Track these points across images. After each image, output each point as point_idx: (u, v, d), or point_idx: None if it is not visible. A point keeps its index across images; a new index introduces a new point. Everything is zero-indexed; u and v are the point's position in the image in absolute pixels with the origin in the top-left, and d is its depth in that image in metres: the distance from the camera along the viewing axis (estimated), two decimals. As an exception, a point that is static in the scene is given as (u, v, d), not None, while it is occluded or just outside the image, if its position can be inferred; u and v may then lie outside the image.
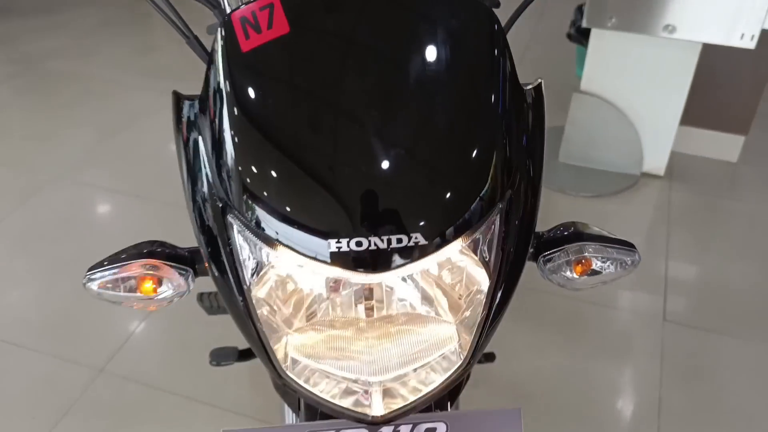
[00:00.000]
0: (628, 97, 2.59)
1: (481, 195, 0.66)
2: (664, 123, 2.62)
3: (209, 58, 0.71)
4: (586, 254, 0.80)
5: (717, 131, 2.78)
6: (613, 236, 0.82)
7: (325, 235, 0.63)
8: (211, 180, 0.69)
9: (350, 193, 0.63)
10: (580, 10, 3.13)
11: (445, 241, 0.64)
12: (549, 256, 0.81)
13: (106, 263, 0.77)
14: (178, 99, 0.75)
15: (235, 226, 0.67)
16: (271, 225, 0.64)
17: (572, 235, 0.81)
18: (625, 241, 0.82)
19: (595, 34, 2.52)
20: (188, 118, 0.72)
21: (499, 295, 0.71)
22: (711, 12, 2.22)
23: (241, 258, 0.68)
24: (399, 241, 0.63)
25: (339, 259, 0.63)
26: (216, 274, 0.70)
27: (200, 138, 0.71)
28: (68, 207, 2.51)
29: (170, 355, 1.95)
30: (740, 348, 1.99)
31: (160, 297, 0.79)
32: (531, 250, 0.82)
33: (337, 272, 0.64)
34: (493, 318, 0.72)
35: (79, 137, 2.89)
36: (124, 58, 3.53)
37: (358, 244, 0.62)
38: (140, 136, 2.89)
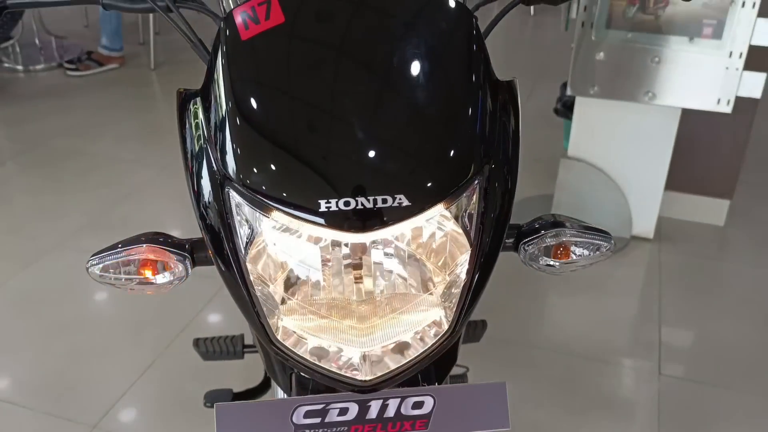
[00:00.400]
0: (614, 162, 2.68)
1: (461, 164, 0.72)
2: (651, 187, 2.70)
3: (212, 50, 0.78)
4: (564, 239, 0.85)
5: (702, 195, 2.86)
6: (589, 225, 0.87)
7: (316, 197, 0.68)
8: (211, 157, 0.74)
9: (339, 158, 0.69)
10: (565, 86, 3.29)
11: (427, 204, 0.69)
12: (529, 243, 0.85)
13: (108, 250, 0.82)
14: (183, 94, 0.81)
15: (232, 199, 0.72)
16: (267, 190, 0.70)
17: (550, 223, 0.86)
18: (600, 229, 0.87)
19: (579, 102, 2.64)
20: (191, 106, 0.79)
21: (480, 264, 0.75)
22: (688, 79, 2.35)
23: (238, 230, 0.73)
24: (384, 201, 0.68)
25: (329, 218, 0.68)
26: (214, 250, 0.75)
27: (202, 121, 0.77)
28: (68, 273, 2.55)
29: (164, 411, 1.94)
30: (735, 399, 1.99)
31: (158, 282, 0.83)
32: (510, 241, 0.87)
33: (328, 233, 0.69)
34: (475, 287, 0.76)
35: (81, 208, 2.96)
36: (129, 136, 3.66)
37: (347, 204, 0.67)
38: (142, 207, 2.96)
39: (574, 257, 0.85)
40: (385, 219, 0.68)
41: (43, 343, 2.19)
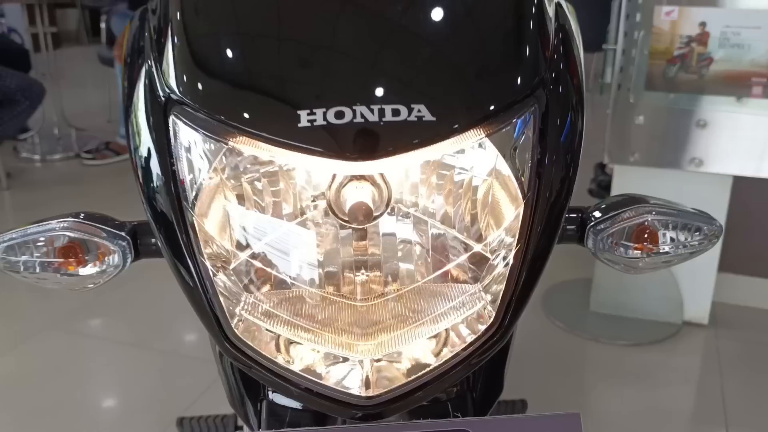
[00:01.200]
0: (660, 237, 2.44)
1: (509, 75, 0.50)
2: (703, 267, 2.44)
3: None
4: (649, 218, 0.61)
5: (760, 277, 2.58)
6: (682, 205, 0.63)
7: (294, 106, 0.46)
8: (153, 73, 0.53)
9: (328, 49, 0.47)
10: (600, 166, 3.11)
11: (459, 122, 0.47)
12: (600, 226, 0.61)
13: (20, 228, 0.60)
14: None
15: (179, 129, 0.50)
16: (226, 105, 0.48)
17: (627, 199, 0.62)
18: (698, 210, 0.63)
19: (617, 171, 2.44)
20: (135, 27, 0.59)
21: (537, 232, 0.51)
22: (738, 143, 2.15)
23: (184, 176, 0.50)
24: (396, 112, 0.46)
25: (312, 137, 0.45)
26: (152, 199, 0.52)
27: (147, 37, 0.56)
28: (57, 355, 2.34)
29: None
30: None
31: (82, 273, 0.60)
32: (573, 227, 0.63)
33: (310, 160, 0.46)
34: (530, 267, 0.51)
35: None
36: (142, 215, 3.52)
37: (339, 115, 0.45)
38: (139, 287, 2.76)
39: (666, 246, 0.61)
40: (396, 139, 0.46)
41: (22, 429, 1.93)
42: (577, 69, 0.58)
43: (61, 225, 0.59)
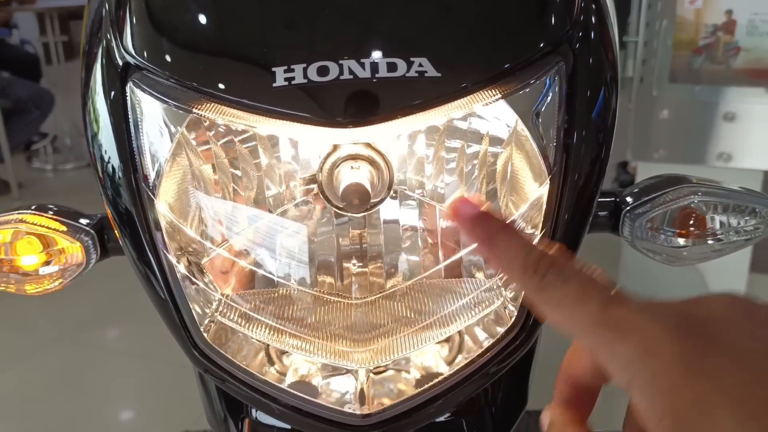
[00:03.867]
0: (687, 236, 2.34)
1: (530, 27, 0.42)
2: (732, 267, 2.33)
3: None
4: (696, 200, 0.52)
5: (794, 277, 2.46)
6: (730, 184, 0.54)
7: (268, 63, 0.38)
8: (111, 41, 0.45)
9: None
10: (622, 165, 3.00)
11: (469, 80, 0.39)
12: (638, 211, 0.53)
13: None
14: None
15: (139, 93, 0.42)
16: (189, 67, 0.40)
17: (667, 179, 0.54)
18: (749, 189, 0.54)
19: (642, 169, 2.34)
20: (92, 8, 0.51)
21: (566, 211, 0.43)
22: (769, 136, 2.04)
23: (144, 147, 0.43)
24: (392, 67, 0.38)
25: (290, 98, 0.37)
26: (109, 185, 0.44)
27: (104, 10, 0.49)
28: (64, 368, 2.30)
29: None
30: None
31: (44, 270, 0.52)
32: (605, 213, 0.54)
33: (288, 128, 0.38)
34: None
35: (87, 299, 2.72)
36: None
37: (322, 71, 0.38)
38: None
39: (716, 233, 0.52)
40: (394, 100, 0.38)
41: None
42: (610, 41, 0.50)
43: (17, 217, 0.52)
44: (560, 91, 0.44)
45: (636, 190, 0.54)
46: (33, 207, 0.54)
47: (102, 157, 0.46)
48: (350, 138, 0.41)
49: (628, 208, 0.53)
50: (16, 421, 2.01)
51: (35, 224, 0.52)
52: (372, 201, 0.46)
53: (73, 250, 0.52)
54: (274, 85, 0.39)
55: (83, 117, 0.48)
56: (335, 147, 0.45)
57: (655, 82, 2.12)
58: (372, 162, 0.45)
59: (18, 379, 2.22)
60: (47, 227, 0.52)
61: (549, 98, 0.43)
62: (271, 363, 0.48)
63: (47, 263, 0.53)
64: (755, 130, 2.04)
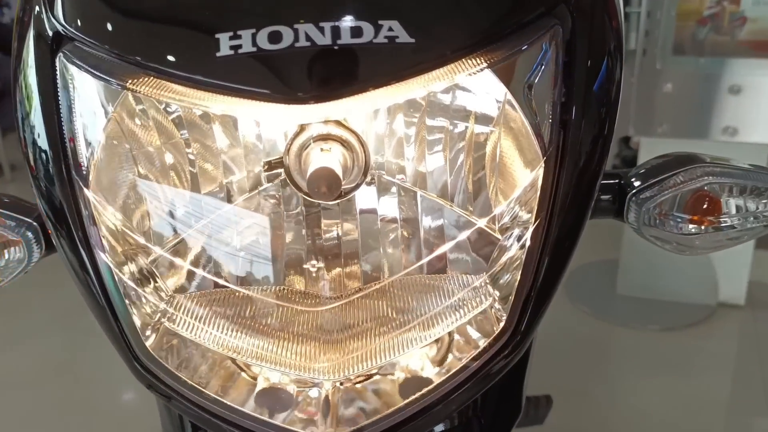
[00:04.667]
0: (691, 214, 2.29)
1: None
2: (738, 245, 2.27)
3: None
4: (709, 181, 0.47)
5: (800, 254, 2.42)
6: (745, 163, 0.49)
7: (210, 29, 0.32)
8: (42, 11, 0.40)
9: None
10: (624, 140, 2.94)
11: (448, 47, 0.33)
12: (644, 194, 0.47)
13: None
14: None
15: (70, 67, 0.37)
16: (124, 36, 0.35)
17: (679, 159, 0.48)
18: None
19: (644, 145, 2.28)
20: None
21: (565, 193, 0.37)
22: (778, 108, 1.98)
23: (76, 128, 0.37)
24: (356, 32, 0.32)
25: (236, 70, 0.32)
26: (38, 172, 0.39)
27: None
28: (61, 352, 2.26)
29: None
30: None
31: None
32: (608, 197, 0.49)
33: (236, 105, 0.33)
34: (556, 243, 0.38)
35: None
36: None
37: (274, 37, 0.32)
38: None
39: (731, 218, 0.46)
40: (360, 71, 0.32)
41: None
42: (614, 4, 0.44)
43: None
44: (556, 59, 0.38)
45: (642, 171, 0.49)
46: None
47: (33, 142, 0.40)
48: (309, 117, 0.36)
49: (633, 191, 0.47)
50: (18, 405, 1.97)
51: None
52: (345, 187, 0.40)
53: (13, 245, 0.47)
54: (218, 54, 0.33)
55: (13, 95, 0.42)
56: (303, 127, 0.39)
57: (659, 55, 2.05)
58: (345, 143, 0.40)
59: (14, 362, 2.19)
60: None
61: (543, 68, 0.38)
62: (228, 378, 0.42)
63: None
64: (762, 103, 1.98)
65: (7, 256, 0.47)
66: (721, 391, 1.97)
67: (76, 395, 2.05)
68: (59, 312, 2.39)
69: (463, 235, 0.42)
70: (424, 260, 0.43)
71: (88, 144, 0.38)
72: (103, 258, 0.39)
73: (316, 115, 0.35)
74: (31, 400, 2.02)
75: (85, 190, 0.39)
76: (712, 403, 1.91)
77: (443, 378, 0.40)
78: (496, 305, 0.41)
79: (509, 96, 0.38)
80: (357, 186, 0.41)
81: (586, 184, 0.41)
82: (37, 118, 0.40)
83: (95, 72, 0.36)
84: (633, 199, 0.48)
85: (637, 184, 0.48)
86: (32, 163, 0.41)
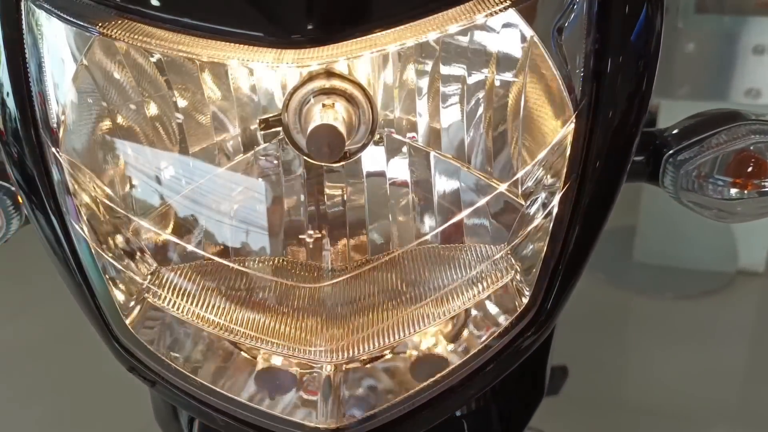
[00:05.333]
0: (712, 179, 2.24)
1: None
2: (758, 210, 2.23)
3: None
4: (755, 141, 0.42)
5: (823, 220, 2.36)
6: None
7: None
8: None
9: None
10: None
11: None
12: (682, 155, 0.43)
13: None
14: None
15: (35, 10, 0.32)
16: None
17: (720, 116, 0.43)
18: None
19: (663, 107, 2.22)
20: None
21: (597, 161, 0.33)
22: (804, 68, 1.92)
23: (45, 80, 0.33)
24: None
25: (218, 7, 0.27)
26: (5, 132, 0.35)
27: None
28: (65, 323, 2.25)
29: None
30: None
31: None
32: (641, 158, 0.44)
33: (220, 51, 0.28)
34: (585, 217, 0.33)
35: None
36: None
37: None
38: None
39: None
40: (363, 8, 0.28)
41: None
42: None
43: None
44: (590, 1, 0.34)
45: (680, 130, 0.44)
46: None
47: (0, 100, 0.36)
48: (306, 62, 0.31)
49: (670, 152, 0.43)
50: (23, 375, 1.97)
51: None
52: (350, 147, 0.36)
53: (-9, 215, 0.43)
54: None
55: None
56: (303, 79, 0.35)
57: (681, 13, 1.98)
58: (349, 98, 0.35)
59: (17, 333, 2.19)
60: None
61: (575, 10, 0.33)
62: (223, 359, 0.39)
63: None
64: (789, 62, 1.92)
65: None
66: (739, 359, 1.95)
67: (82, 363, 2.05)
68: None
69: (482, 201, 0.38)
70: (438, 229, 0.39)
71: (59, 101, 0.34)
72: (78, 230, 0.36)
73: (314, 59, 0.31)
74: (41, 368, 2.02)
75: (56, 152, 0.34)
76: (729, 371, 1.88)
77: (462, 359, 0.36)
78: (518, 278, 0.37)
79: (536, 40, 0.33)
80: (363, 146, 0.37)
81: (623, 143, 0.36)
82: (3, 72, 0.36)
83: (64, 16, 0.32)
84: (670, 160, 0.43)
85: (674, 144, 0.43)
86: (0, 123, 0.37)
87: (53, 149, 0.35)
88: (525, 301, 0.36)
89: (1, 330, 2.21)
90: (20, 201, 0.44)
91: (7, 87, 0.35)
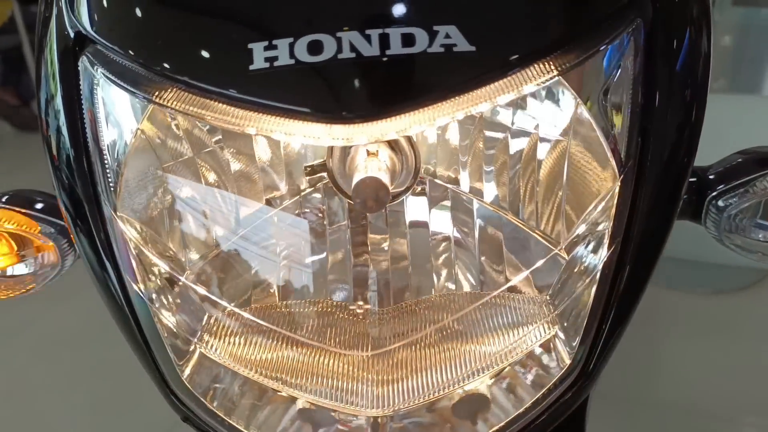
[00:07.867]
0: (746, 173, 2.21)
1: None
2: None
3: None
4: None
5: None
6: None
7: (243, 39, 0.28)
8: (63, 12, 0.36)
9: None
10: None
11: (514, 54, 0.28)
12: (726, 200, 0.43)
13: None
14: None
15: (92, 72, 0.33)
16: (149, 43, 0.31)
17: (764, 158, 0.43)
18: None
19: (698, 100, 2.19)
20: None
21: (644, 216, 0.33)
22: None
23: (101, 137, 0.34)
24: (408, 40, 0.28)
25: (272, 85, 0.28)
26: (63, 184, 0.36)
27: None
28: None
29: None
30: None
31: (12, 272, 0.44)
32: (684, 196, 0.44)
33: (271, 124, 0.29)
34: (634, 267, 0.34)
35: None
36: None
37: (314, 47, 0.28)
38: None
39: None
40: (411, 86, 0.28)
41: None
42: None
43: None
44: (636, 55, 0.33)
45: (722, 170, 0.44)
46: (4, 199, 0.46)
47: (53, 141, 0.37)
48: (355, 137, 0.32)
49: (714, 193, 0.42)
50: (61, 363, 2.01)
51: (4, 221, 0.44)
52: (394, 191, 0.37)
53: (45, 249, 0.45)
54: (251, 67, 0.29)
55: (36, 92, 0.39)
56: None
57: (717, 6, 1.95)
58: (393, 143, 0.36)
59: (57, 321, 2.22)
60: (18, 225, 0.44)
61: (622, 68, 0.33)
62: (269, 407, 0.40)
63: (21, 263, 0.46)
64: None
65: (39, 262, 0.45)
66: (769, 357, 1.92)
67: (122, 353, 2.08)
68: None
69: (540, 263, 0.38)
70: (485, 295, 0.39)
71: (116, 161, 0.35)
72: (136, 290, 0.37)
73: (362, 135, 0.31)
74: (81, 356, 2.06)
75: (115, 216, 0.35)
76: (761, 370, 1.86)
77: (516, 413, 0.37)
78: (560, 335, 0.37)
79: (580, 103, 0.33)
80: (406, 189, 0.38)
81: (671, 188, 0.36)
82: (53, 113, 0.37)
83: (118, 81, 0.33)
84: (713, 203, 0.43)
85: (717, 185, 0.43)
86: (57, 179, 0.38)
87: (111, 211, 0.36)
88: (568, 362, 0.37)
89: (41, 318, 2.26)
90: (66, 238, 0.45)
91: (63, 141, 0.36)
